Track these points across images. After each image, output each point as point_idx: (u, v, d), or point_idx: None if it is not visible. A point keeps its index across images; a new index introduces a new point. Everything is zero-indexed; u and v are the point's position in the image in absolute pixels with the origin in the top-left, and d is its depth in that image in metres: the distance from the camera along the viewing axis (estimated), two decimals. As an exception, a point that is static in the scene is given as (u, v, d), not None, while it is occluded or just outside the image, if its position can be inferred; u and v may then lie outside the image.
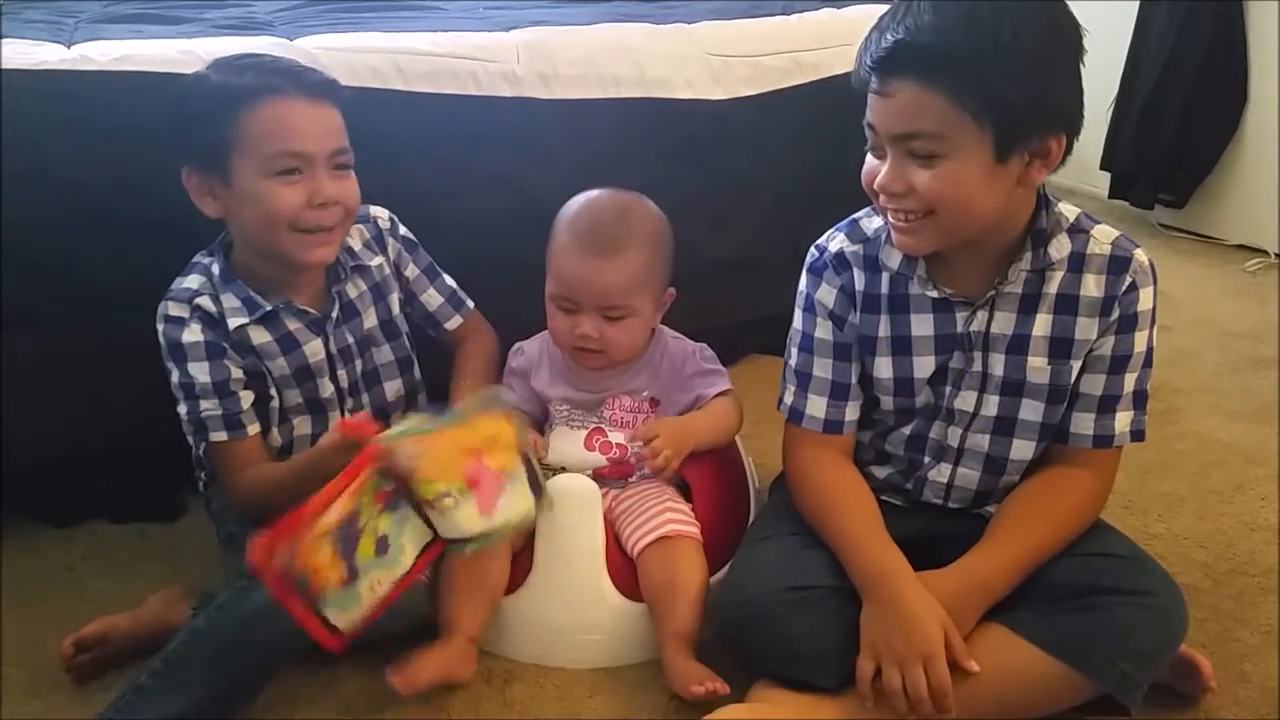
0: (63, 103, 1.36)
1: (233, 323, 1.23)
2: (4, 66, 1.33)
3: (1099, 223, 1.12)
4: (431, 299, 1.42)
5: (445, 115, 1.57)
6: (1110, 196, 2.90)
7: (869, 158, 1.07)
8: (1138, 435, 1.15)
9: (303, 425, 1.32)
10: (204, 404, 1.22)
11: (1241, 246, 2.69)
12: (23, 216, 1.33)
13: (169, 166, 1.37)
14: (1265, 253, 2.62)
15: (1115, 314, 1.10)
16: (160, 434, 1.46)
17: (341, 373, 1.32)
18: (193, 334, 1.21)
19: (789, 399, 1.23)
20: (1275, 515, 1.52)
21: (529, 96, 1.63)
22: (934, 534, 1.18)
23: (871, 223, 1.17)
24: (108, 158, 1.37)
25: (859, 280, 1.16)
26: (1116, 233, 1.11)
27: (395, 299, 1.38)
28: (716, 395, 1.37)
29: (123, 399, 1.45)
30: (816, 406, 1.20)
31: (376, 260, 1.34)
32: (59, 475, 1.49)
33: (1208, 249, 2.72)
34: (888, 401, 1.19)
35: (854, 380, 1.20)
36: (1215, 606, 1.32)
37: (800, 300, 1.21)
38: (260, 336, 1.25)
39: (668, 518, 1.26)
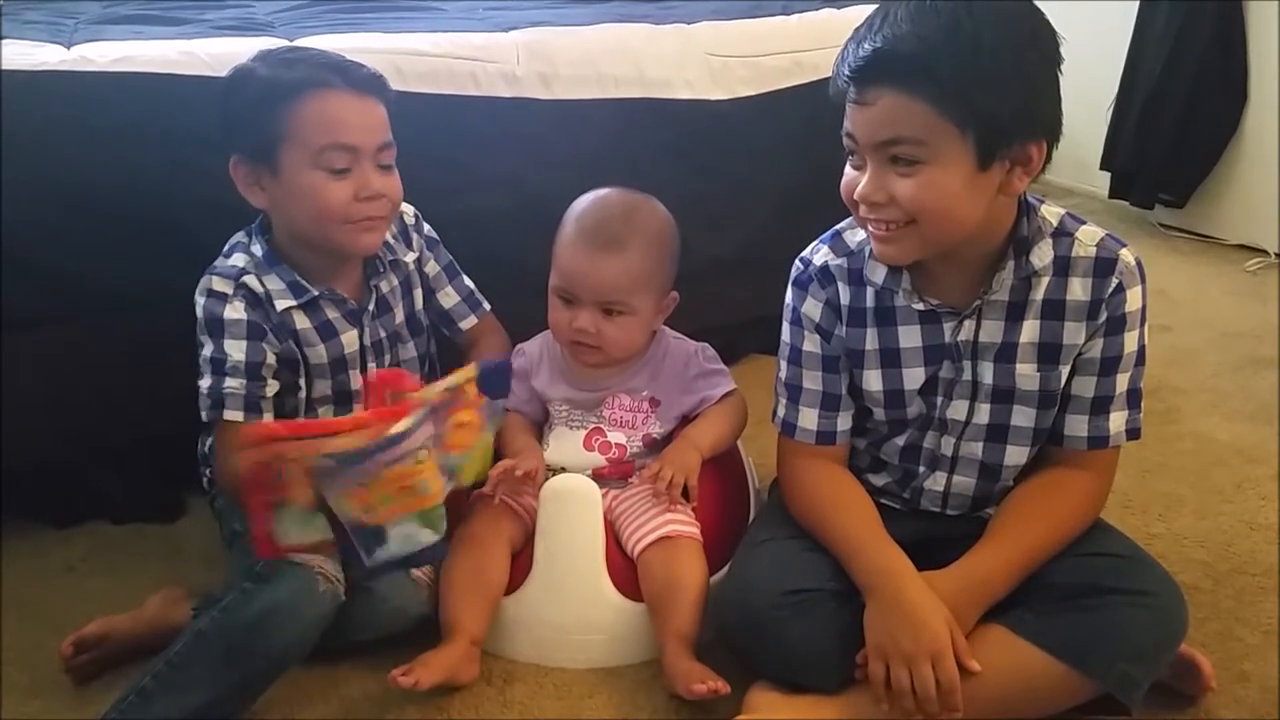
0: (62, 104, 1.36)
1: (279, 304, 1.23)
2: (4, 68, 1.33)
3: (1084, 223, 1.11)
4: (448, 297, 1.42)
5: (444, 116, 1.57)
6: (1110, 196, 2.90)
7: (848, 169, 1.06)
8: (1133, 434, 1.15)
9: (327, 415, 1.32)
10: (229, 381, 1.21)
11: (1241, 246, 2.68)
12: (22, 217, 1.33)
13: (168, 167, 1.38)
14: (1265, 252, 2.62)
15: (1103, 316, 1.09)
16: (160, 434, 1.47)
17: (372, 366, 1.33)
18: (235, 310, 1.21)
19: (781, 412, 1.23)
20: (1275, 515, 1.52)
21: (528, 97, 1.63)
22: (933, 536, 1.18)
23: (855, 235, 1.17)
24: (107, 159, 1.37)
25: (844, 294, 1.16)
26: (1102, 233, 1.10)
27: (419, 295, 1.39)
28: (721, 397, 1.37)
29: (123, 399, 1.45)
30: (808, 419, 1.20)
31: (407, 256, 1.35)
32: (59, 475, 1.49)
33: (1208, 249, 2.71)
34: (880, 413, 1.19)
35: (844, 391, 1.19)
36: (1215, 606, 1.32)
37: (787, 313, 1.21)
38: (302, 322, 1.26)
39: (668, 518, 1.26)
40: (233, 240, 1.27)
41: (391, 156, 1.24)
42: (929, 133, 0.97)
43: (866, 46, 0.98)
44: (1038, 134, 1.00)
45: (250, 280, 1.23)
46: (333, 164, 1.18)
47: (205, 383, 1.23)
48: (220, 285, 1.22)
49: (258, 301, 1.23)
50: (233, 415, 1.22)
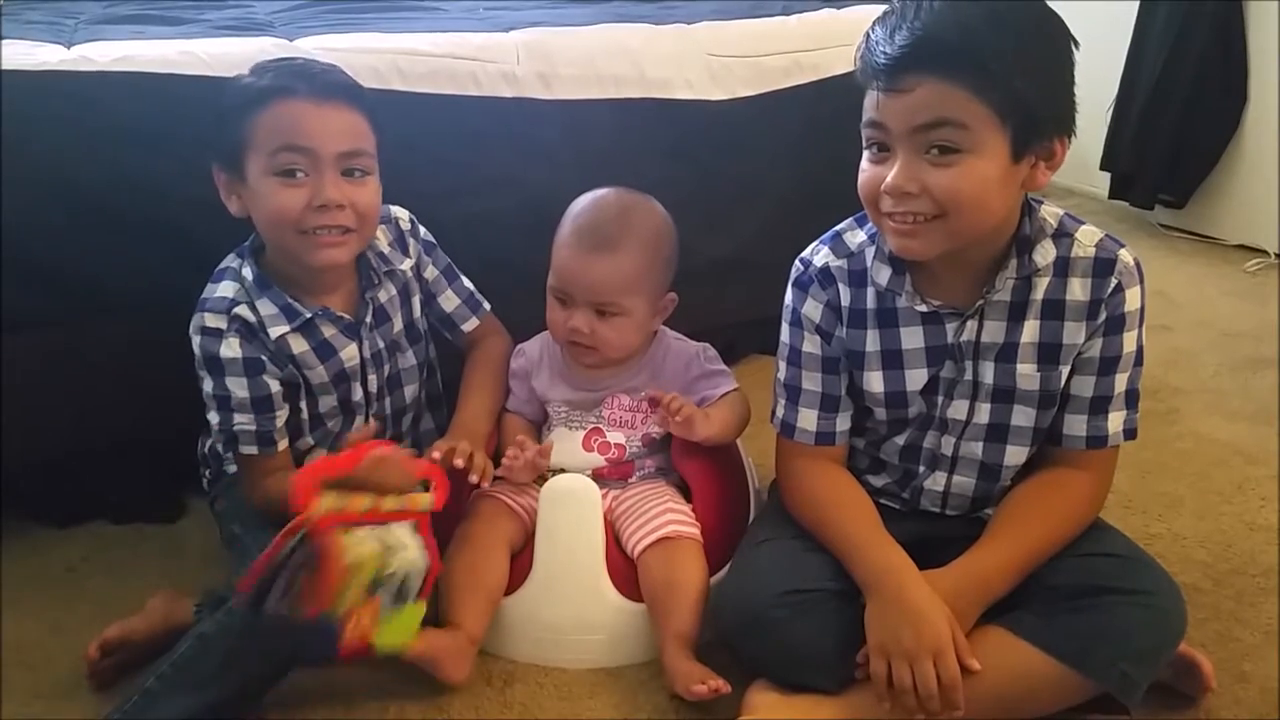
0: (63, 103, 1.36)
1: (273, 331, 1.22)
2: (4, 67, 1.33)
3: (1083, 224, 1.11)
4: (449, 300, 1.42)
5: (445, 116, 1.57)
6: (1110, 197, 2.90)
7: (866, 165, 1.05)
8: (1130, 434, 1.15)
9: (335, 425, 1.32)
10: (238, 417, 1.22)
11: (1241, 246, 2.69)
12: (22, 217, 1.33)
13: (169, 167, 1.38)
14: (1265, 253, 2.62)
15: (1102, 316, 1.09)
16: (160, 434, 1.47)
17: (372, 377, 1.32)
18: (231, 348, 1.20)
19: (780, 413, 1.23)
20: (1275, 515, 1.52)
21: (529, 97, 1.63)
22: (932, 537, 1.18)
23: (855, 237, 1.17)
24: (107, 158, 1.37)
25: (845, 296, 1.16)
26: (1101, 233, 1.11)
27: (417, 301, 1.38)
28: (723, 395, 1.37)
29: (123, 399, 1.45)
30: (807, 420, 1.20)
31: (403, 264, 1.34)
32: (59, 475, 1.49)
33: (1207, 249, 2.72)
34: (880, 413, 1.19)
35: (844, 391, 1.19)
36: (1215, 606, 1.32)
37: (786, 314, 1.21)
38: (299, 345, 1.25)
39: (668, 518, 1.26)
40: (221, 265, 1.26)
41: (364, 165, 1.21)
42: (971, 118, 0.97)
43: (905, 33, 0.97)
44: (1062, 128, 1.01)
45: (242, 310, 1.22)
46: (285, 167, 1.16)
47: (215, 418, 1.23)
48: (213, 321, 1.21)
49: (252, 333, 1.22)
50: (248, 450, 1.23)
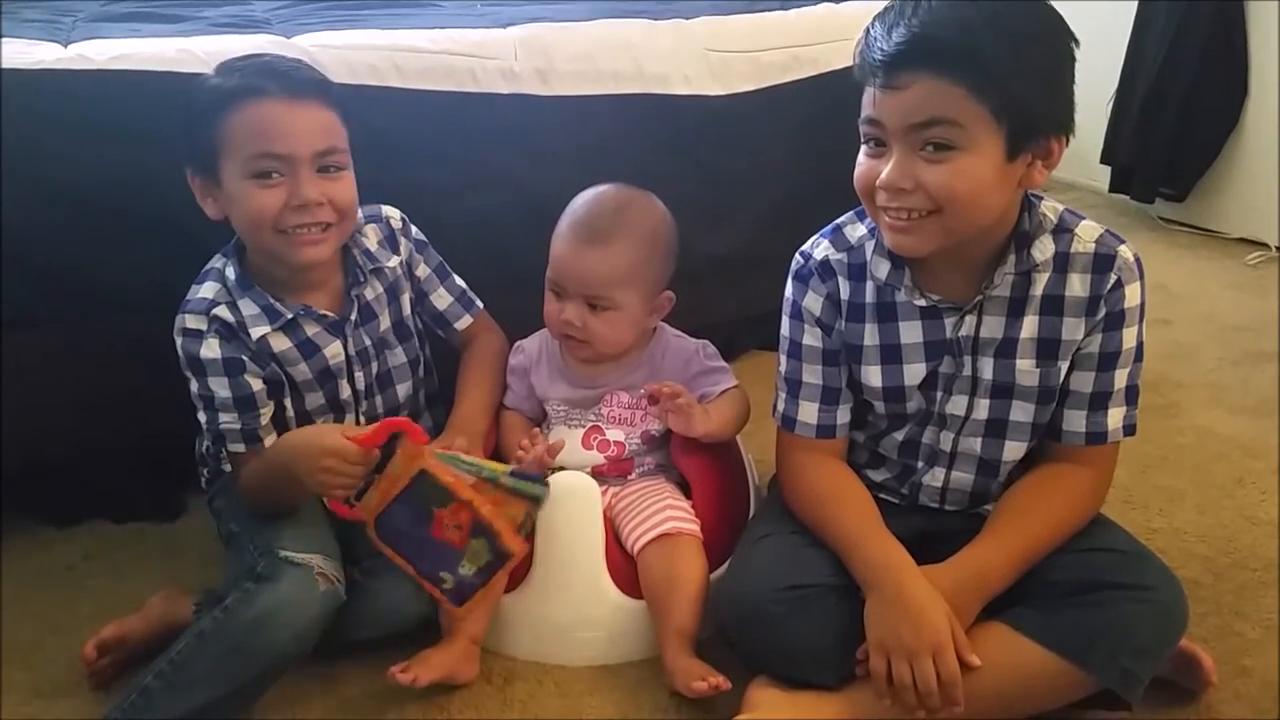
0: (60, 102, 1.35)
1: (255, 332, 1.22)
2: (2, 66, 1.33)
3: (1083, 219, 1.11)
4: (441, 299, 1.41)
5: (443, 112, 1.57)
6: (1111, 190, 2.89)
7: (863, 160, 1.06)
8: (1130, 430, 1.15)
9: (326, 423, 1.32)
10: (223, 416, 1.22)
11: (1242, 240, 2.68)
12: (20, 216, 1.33)
13: (167, 166, 1.37)
14: (1266, 246, 2.62)
15: (1102, 312, 1.09)
16: (160, 433, 1.47)
17: (359, 374, 1.32)
18: (210, 349, 1.21)
19: (781, 406, 1.23)
20: (1276, 509, 1.52)
21: (527, 93, 1.63)
22: (931, 532, 1.18)
23: (855, 230, 1.17)
24: (105, 157, 1.36)
25: (844, 289, 1.16)
26: (1101, 229, 1.11)
27: (407, 299, 1.38)
28: (722, 392, 1.37)
29: (123, 398, 1.45)
30: (808, 413, 1.20)
31: (391, 261, 1.34)
32: (59, 475, 1.49)
33: (1208, 242, 2.71)
34: (879, 407, 1.19)
35: (844, 384, 1.20)
36: (1216, 601, 1.32)
37: (787, 307, 1.21)
38: (281, 343, 1.25)
39: (668, 515, 1.26)
40: (208, 265, 1.26)
41: (340, 162, 1.21)
42: (965, 117, 0.97)
43: (902, 31, 0.97)
44: (1059, 128, 1.01)
45: (221, 311, 1.22)
46: (261, 171, 1.16)
47: (203, 417, 1.24)
48: (193, 322, 1.21)
49: (231, 333, 1.22)
50: (235, 448, 1.24)
